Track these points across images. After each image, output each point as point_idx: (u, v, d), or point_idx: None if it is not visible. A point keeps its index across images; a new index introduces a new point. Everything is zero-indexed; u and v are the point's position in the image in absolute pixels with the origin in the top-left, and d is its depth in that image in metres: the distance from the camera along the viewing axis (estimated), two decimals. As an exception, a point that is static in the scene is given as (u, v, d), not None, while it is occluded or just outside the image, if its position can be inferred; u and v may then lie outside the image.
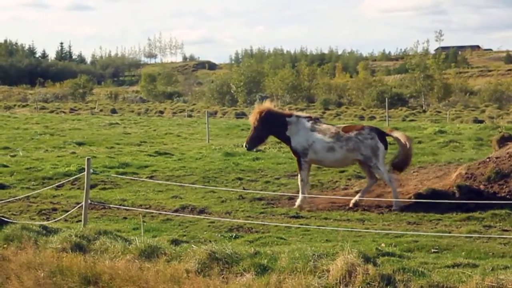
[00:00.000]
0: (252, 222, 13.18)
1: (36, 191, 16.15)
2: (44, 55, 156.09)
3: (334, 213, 14.37)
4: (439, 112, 57.38)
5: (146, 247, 9.79)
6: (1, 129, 36.21)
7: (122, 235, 10.91)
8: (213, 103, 74.72)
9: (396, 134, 15.96)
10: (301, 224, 12.98)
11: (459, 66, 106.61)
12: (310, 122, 15.73)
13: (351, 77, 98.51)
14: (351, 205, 14.84)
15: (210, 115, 38.12)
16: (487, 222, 13.04)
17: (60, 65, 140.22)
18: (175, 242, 10.60)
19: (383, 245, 10.77)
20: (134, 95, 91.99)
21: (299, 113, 16.47)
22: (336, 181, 17.91)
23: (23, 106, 68.68)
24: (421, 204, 13.94)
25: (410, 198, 14.68)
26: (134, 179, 17.67)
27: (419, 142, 25.94)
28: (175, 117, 54.94)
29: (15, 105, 69.76)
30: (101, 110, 63.05)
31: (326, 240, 11.62)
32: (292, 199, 15.60)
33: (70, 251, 10.10)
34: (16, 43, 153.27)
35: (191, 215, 13.95)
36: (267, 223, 13.04)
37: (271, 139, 17.62)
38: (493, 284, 7.65)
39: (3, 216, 12.30)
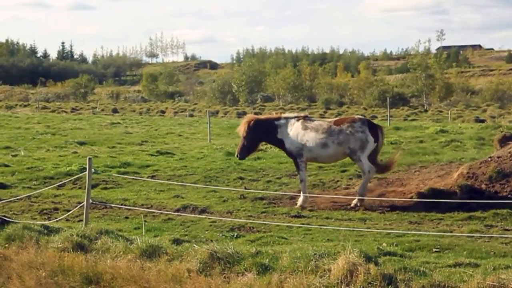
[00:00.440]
0: (253, 221, 13.19)
1: (37, 191, 16.16)
2: (45, 55, 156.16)
3: (335, 212, 14.38)
4: (441, 111, 57.34)
5: (148, 246, 9.79)
6: (3, 129, 36.21)
7: (124, 235, 10.91)
8: (214, 103, 74.68)
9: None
10: (303, 224, 12.98)
11: (460, 65, 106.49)
12: (300, 121, 15.73)
13: (352, 76, 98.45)
14: (352, 205, 14.84)
15: (211, 114, 38.12)
16: (488, 221, 13.04)
17: (62, 64, 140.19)
18: (177, 241, 10.60)
19: (384, 244, 10.77)
20: (136, 94, 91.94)
21: (288, 115, 16.44)
22: (338, 181, 17.91)
23: (25, 106, 68.68)
24: (423, 204, 13.94)
25: (411, 197, 14.68)
26: (135, 179, 17.67)
27: (421, 142, 25.95)
28: (176, 116, 54.94)
29: (16, 105, 69.75)
30: (102, 110, 63.05)
31: (328, 239, 11.63)
32: (293, 198, 15.60)
33: (71, 250, 10.10)
34: (18, 43, 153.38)
35: (193, 215, 13.95)
36: (268, 223, 13.05)
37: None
38: (495, 283, 7.64)
39: (4, 216, 12.31)
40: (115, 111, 61.33)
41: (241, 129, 16.04)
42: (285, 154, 16.79)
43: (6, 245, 10.84)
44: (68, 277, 9.57)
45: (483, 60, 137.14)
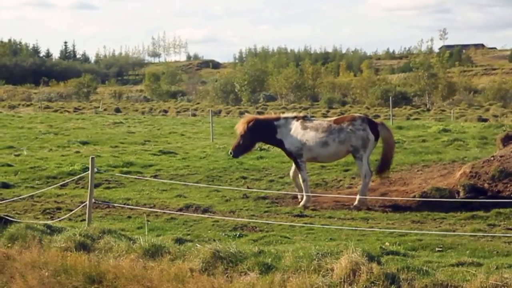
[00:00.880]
0: (256, 221, 13.18)
1: (40, 190, 16.16)
2: (48, 54, 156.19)
3: (338, 212, 14.37)
4: (443, 110, 57.35)
5: (150, 246, 9.79)
6: (6, 128, 36.25)
7: (126, 234, 10.92)
8: (217, 102, 74.74)
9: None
10: (305, 223, 12.97)
11: (463, 64, 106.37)
12: (300, 121, 15.72)
13: (355, 75, 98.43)
14: (352, 207, 14.77)
15: (214, 114, 38.12)
16: (491, 220, 13.03)
17: (64, 64, 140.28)
18: (179, 241, 10.60)
19: (387, 244, 10.77)
20: (138, 94, 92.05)
21: (287, 115, 16.41)
22: (340, 180, 17.91)
23: (27, 105, 68.77)
24: (426, 203, 13.93)
25: (414, 196, 14.66)
26: (138, 178, 17.68)
27: (423, 141, 25.93)
28: (179, 116, 54.98)
29: (19, 104, 69.84)
30: (105, 109, 63.11)
31: (330, 239, 11.63)
32: (296, 198, 15.60)
33: (74, 250, 10.11)
34: (20, 43, 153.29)
35: (195, 214, 13.95)
36: (271, 222, 13.05)
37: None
38: (498, 282, 7.64)
39: (7, 215, 12.32)
40: (117, 110, 61.40)
41: (240, 128, 16.01)
42: (287, 154, 16.75)
43: (9, 245, 10.85)
44: (71, 276, 9.57)
45: (485, 59, 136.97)
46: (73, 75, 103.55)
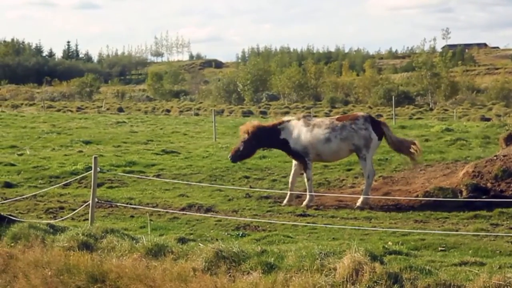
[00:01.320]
0: (259, 220, 13.19)
1: (43, 190, 16.18)
2: (51, 54, 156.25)
3: (341, 211, 14.38)
4: (446, 110, 57.30)
5: (153, 245, 9.80)
6: (9, 128, 36.29)
7: (129, 234, 10.92)
8: (220, 102, 74.75)
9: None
10: (308, 223, 12.98)
11: (466, 64, 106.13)
12: (302, 120, 15.72)
13: (357, 75, 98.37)
14: (355, 207, 14.76)
15: (217, 113, 38.14)
16: (494, 220, 13.03)
17: (67, 63, 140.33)
18: (182, 240, 10.61)
19: (390, 243, 10.77)
20: (141, 93, 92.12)
21: (287, 117, 16.41)
22: (343, 180, 17.91)
23: (30, 105, 68.84)
24: (428, 202, 13.93)
25: (417, 196, 14.66)
26: (141, 178, 17.70)
27: (426, 140, 25.90)
28: (182, 115, 55.00)
29: (22, 104, 69.90)
30: (108, 109, 63.15)
31: (333, 238, 11.63)
32: (299, 197, 15.60)
33: (77, 249, 10.11)
34: (23, 42, 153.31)
35: (198, 214, 13.96)
36: (274, 222, 13.06)
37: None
38: (501, 282, 7.63)
39: (10, 215, 12.34)
40: (120, 110, 61.43)
41: (243, 133, 15.99)
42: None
43: (12, 244, 10.86)
44: (74, 276, 9.58)
45: (488, 58, 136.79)
46: (76, 75, 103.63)
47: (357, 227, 12.39)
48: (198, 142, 28.86)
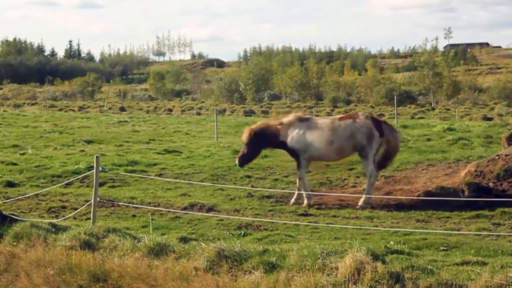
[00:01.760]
0: (260, 220, 13.19)
1: (45, 189, 16.20)
2: (53, 53, 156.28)
3: (342, 210, 14.38)
4: (448, 109, 57.25)
5: (155, 245, 9.80)
6: (11, 127, 36.33)
7: (131, 233, 10.92)
8: (221, 101, 74.71)
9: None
10: (310, 222, 12.99)
11: (468, 63, 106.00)
12: (303, 121, 15.74)
13: (359, 74, 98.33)
14: (358, 207, 14.76)
15: (218, 113, 38.14)
16: (496, 219, 13.03)
17: (69, 63, 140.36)
18: (184, 240, 10.62)
19: (392, 243, 10.77)
20: (143, 93, 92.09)
21: (287, 118, 16.43)
22: (345, 179, 17.91)
23: (32, 104, 68.86)
24: (430, 202, 13.92)
25: (419, 195, 14.65)
26: (143, 177, 17.71)
27: (428, 140, 25.91)
28: (183, 115, 55.01)
29: (24, 103, 69.92)
30: (110, 108, 63.18)
31: (335, 237, 11.63)
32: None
33: (79, 248, 10.12)
34: (25, 42, 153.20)
35: (200, 213, 13.97)
36: (275, 221, 13.06)
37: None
38: (502, 282, 7.63)
39: (12, 214, 12.34)
40: (122, 109, 61.46)
41: (245, 138, 16.06)
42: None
43: (14, 243, 10.87)
44: (76, 275, 9.59)
45: (490, 58, 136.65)
46: (78, 74, 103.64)
47: (359, 227, 12.39)
48: (200, 141, 28.87)
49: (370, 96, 71.89)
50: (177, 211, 14.05)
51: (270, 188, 16.79)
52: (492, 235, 11.58)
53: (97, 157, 12.19)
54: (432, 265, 8.48)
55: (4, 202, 14.84)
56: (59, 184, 16.79)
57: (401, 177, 17.46)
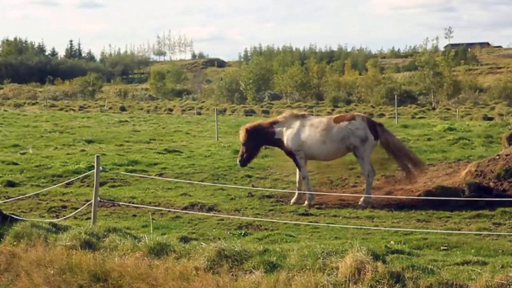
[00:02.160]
0: (261, 219, 13.19)
1: (45, 189, 16.19)
2: (53, 53, 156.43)
3: (343, 210, 14.38)
4: (449, 109, 57.22)
5: (155, 244, 9.80)
6: (11, 127, 36.33)
7: (132, 233, 10.92)
8: (222, 101, 74.71)
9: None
10: (310, 222, 12.98)
11: (468, 63, 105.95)
12: (299, 119, 15.76)
13: (360, 74, 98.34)
14: (361, 203, 14.82)
15: (219, 112, 38.14)
16: (496, 219, 13.02)
17: (70, 62, 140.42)
18: (184, 239, 10.62)
19: (392, 242, 10.76)
20: (143, 92, 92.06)
21: (284, 114, 16.45)
22: (345, 179, 17.90)
23: (33, 104, 68.86)
24: (431, 202, 13.91)
25: (419, 195, 14.65)
26: (143, 177, 17.71)
27: (429, 140, 25.90)
28: (184, 114, 55.01)
29: (25, 103, 69.91)
30: (110, 108, 63.17)
31: (335, 237, 11.63)
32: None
33: (79, 248, 10.11)
34: (26, 41, 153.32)
35: (200, 213, 13.96)
36: (276, 221, 13.06)
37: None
38: (503, 281, 7.63)
39: (13, 214, 12.34)
40: (123, 109, 61.47)
41: (242, 137, 16.13)
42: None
43: (15, 243, 10.86)
44: (76, 275, 9.58)
45: (491, 57, 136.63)
46: (79, 74, 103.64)
47: (359, 226, 12.39)
48: (201, 141, 28.87)
49: (371, 96, 71.86)
50: (178, 210, 14.05)
51: (270, 187, 16.79)
52: (493, 234, 11.58)
53: (97, 156, 12.18)
54: (432, 265, 8.47)
55: (5, 202, 14.84)
56: (60, 184, 16.79)
57: (402, 177, 17.43)
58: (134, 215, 14.16)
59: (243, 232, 12.33)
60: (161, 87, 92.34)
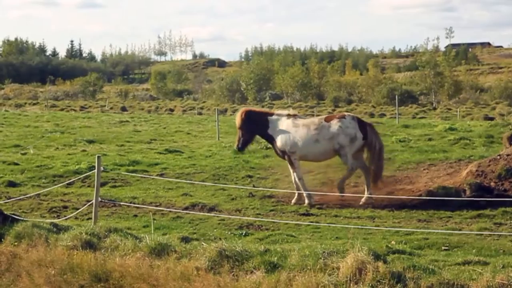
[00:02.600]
0: (262, 219, 13.19)
1: (46, 189, 16.21)
2: (54, 53, 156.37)
3: (344, 210, 14.38)
4: (450, 109, 57.21)
5: (156, 244, 9.80)
6: (12, 127, 36.34)
7: (133, 233, 10.93)
8: (223, 101, 74.73)
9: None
10: (311, 222, 12.99)
11: (469, 63, 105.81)
12: (291, 119, 15.80)
13: (361, 74, 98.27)
14: (361, 203, 14.85)
15: (220, 112, 38.14)
16: (497, 219, 13.02)
17: (71, 63, 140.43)
18: (185, 239, 10.62)
19: (393, 242, 10.76)
20: (144, 93, 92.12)
21: (280, 111, 16.50)
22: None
23: (34, 104, 68.89)
24: (432, 202, 13.91)
25: (420, 195, 14.65)
26: (144, 177, 17.72)
27: (430, 139, 25.91)
28: (185, 114, 55.02)
29: (25, 103, 69.94)
30: (111, 108, 63.19)
31: (336, 237, 11.63)
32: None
33: (80, 248, 10.12)
34: (27, 41, 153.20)
35: (201, 213, 13.97)
36: (277, 221, 13.06)
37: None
38: (504, 281, 7.63)
39: (14, 214, 12.35)
40: (123, 109, 61.50)
41: (237, 121, 16.21)
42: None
43: (16, 243, 10.87)
44: (77, 275, 9.59)
45: (492, 57, 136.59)
46: (79, 74, 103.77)
47: (360, 226, 12.39)
48: (201, 141, 28.88)
49: (372, 96, 71.80)
50: (179, 211, 14.06)
51: (271, 188, 16.79)
52: (494, 234, 11.58)
53: (98, 157, 12.19)
54: (433, 265, 8.48)
55: (6, 202, 14.86)
56: (61, 184, 16.79)
57: (403, 177, 17.46)
58: (135, 215, 14.17)
59: (244, 232, 12.33)
60: (162, 87, 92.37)
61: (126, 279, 9.26)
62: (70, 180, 17.15)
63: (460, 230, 12.06)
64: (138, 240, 10.17)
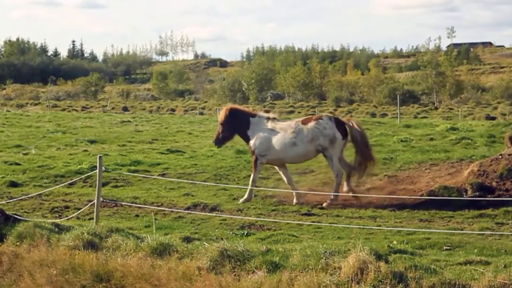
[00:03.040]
0: (263, 219, 13.19)
1: (48, 189, 16.21)
2: (56, 53, 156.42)
3: (345, 210, 14.37)
4: (451, 109, 57.24)
5: (158, 244, 9.81)
6: (14, 127, 36.35)
7: (134, 233, 10.93)
8: (224, 101, 74.64)
9: (352, 122, 15.88)
10: (313, 222, 12.98)
11: (471, 63, 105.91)
12: (269, 122, 15.79)
13: (362, 74, 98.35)
14: (324, 205, 14.82)
15: (221, 112, 38.08)
16: (499, 219, 13.00)
17: (72, 63, 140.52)
18: (187, 239, 10.62)
19: (395, 242, 10.76)
20: (146, 93, 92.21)
21: (262, 114, 16.47)
22: (348, 179, 17.86)
23: (35, 104, 68.99)
24: (433, 201, 13.90)
25: (422, 195, 14.64)
26: (146, 177, 17.71)
27: (431, 139, 25.88)
28: (186, 114, 55.06)
29: (27, 103, 70.05)
30: (112, 108, 63.26)
31: (338, 237, 11.62)
32: (304, 196, 15.58)
33: (82, 248, 10.12)
34: (28, 42, 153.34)
35: (203, 213, 13.96)
36: (278, 221, 13.05)
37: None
38: (506, 281, 7.63)
39: (15, 214, 12.35)
40: (125, 109, 61.56)
41: (220, 116, 16.25)
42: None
43: (18, 243, 10.88)
44: (79, 275, 9.60)
45: (493, 57, 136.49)
46: (81, 74, 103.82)
47: (362, 226, 12.38)
48: (203, 141, 28.85)
49: (373, 95, 71.86)
50: (180, 211, 14.05)
51: (273, 187, 16.78)
52: (495, 234, 11.57)
53: (100, 157, 12.19)
54: (435, 265, 8.48)
55: (8, 202, 14.86)
56: (62, 184, 16.78)
57: (404, 177, 17.44)
58: (137, 215, 14.17)
59: (246, 232, 12.32)
60: (163, 87, 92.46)
61: (128, 279, 9.27)
62: (72, 180, 17.14)
63: (461, 230, 12.05)
64: (139, 240, 10.18)
